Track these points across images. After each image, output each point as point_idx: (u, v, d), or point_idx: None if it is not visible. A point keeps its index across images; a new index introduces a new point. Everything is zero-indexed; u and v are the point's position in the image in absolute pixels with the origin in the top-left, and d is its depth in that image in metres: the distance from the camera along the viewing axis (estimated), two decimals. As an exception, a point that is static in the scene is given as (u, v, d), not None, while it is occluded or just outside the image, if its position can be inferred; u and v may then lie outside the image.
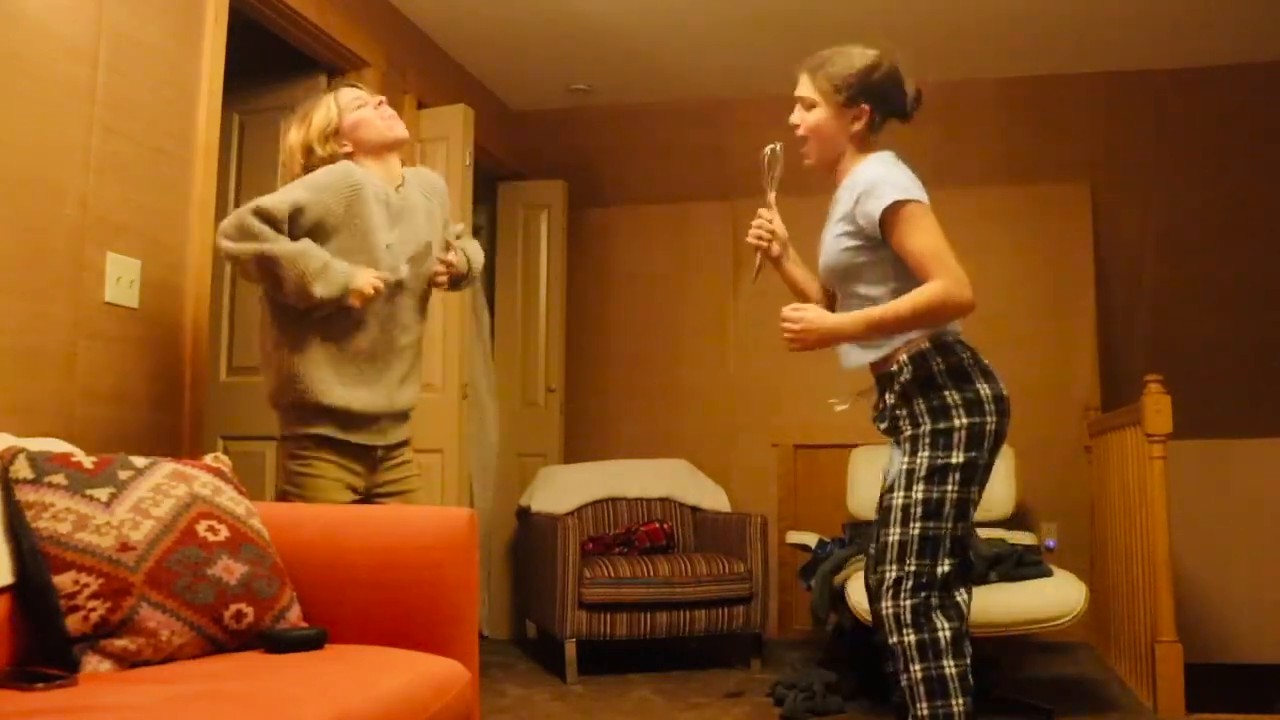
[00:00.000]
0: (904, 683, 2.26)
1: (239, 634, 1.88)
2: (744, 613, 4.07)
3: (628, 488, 4.66)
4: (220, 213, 3.40)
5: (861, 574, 3.44)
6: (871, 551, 2.45)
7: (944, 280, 2.20)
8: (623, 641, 4.00)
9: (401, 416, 2.68)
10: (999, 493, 4.26)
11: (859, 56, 2.43)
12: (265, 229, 2.37)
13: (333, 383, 2.48)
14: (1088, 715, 3.31)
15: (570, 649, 3.89)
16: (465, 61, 4.77)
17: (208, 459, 2.14)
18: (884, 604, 2.30)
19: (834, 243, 2.38)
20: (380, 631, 2.01)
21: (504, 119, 5.26)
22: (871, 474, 4.09)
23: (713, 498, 4.66)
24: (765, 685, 3.71)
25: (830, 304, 2.53)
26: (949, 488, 2.27)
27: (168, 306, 2.81)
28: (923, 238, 2.23)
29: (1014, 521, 4.31)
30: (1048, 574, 3.39)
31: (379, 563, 2.06)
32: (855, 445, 4.49)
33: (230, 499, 2.02)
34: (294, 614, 1.97)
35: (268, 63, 3.80)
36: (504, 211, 5.22)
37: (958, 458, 2.27)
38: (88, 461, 1.87)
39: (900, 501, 2.29)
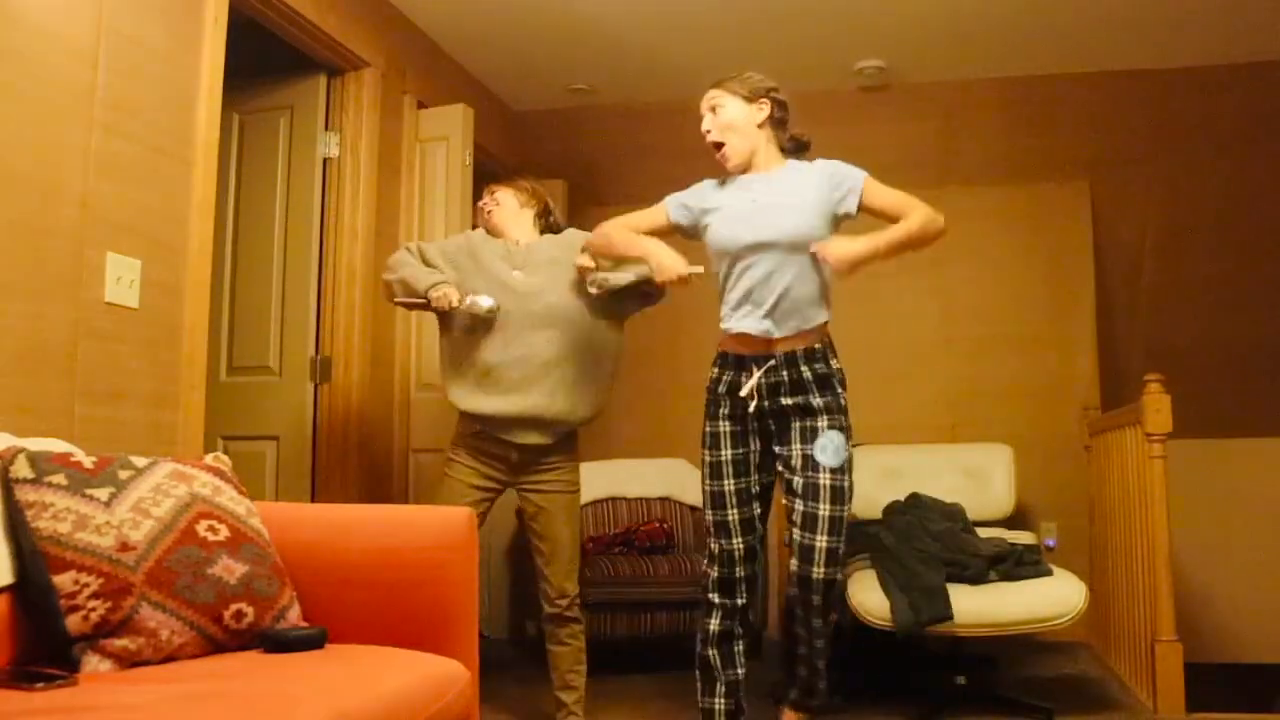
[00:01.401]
0: (821, 647, 2.62)
1: (239, 634, 1.88)
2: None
3: (628, 487, 4.66)
4: (220, 212, 3.41)
5: (862, 574, 3.44)
6: (798, 521, 2.61)
7: (922, 207, 2.60)
8: (623, 641, 4.00)
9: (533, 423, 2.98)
10: (999, 492, 4.26)
11: (757, 73, 2.78)
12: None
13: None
14: (1087, 715, 3.30)
15: (570, 649, 3.88)
16: (465, 61, 4.77)
17: (208, 459, 2.14)
18: (830, 570, 2.53)
19: (800, 219, 2.61)
20: (380, 631, 2.01)
21: (504, 119, 5.26)
22: (870, 474, 4.09)
23: (713, 497, 4.66)
24: (765, 685, 3.71)
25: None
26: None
27: (168, 306, 2.81)
28: (892, 191, 2.65)
29: (1014, 521, 4.31)
30: (1047, 573, 3.39)
31: (379, 562, 2.06)
32: (855, 445, 4.48)
33: (230, 499, 2.02)
34: (294, 614, 1.98)
35: (267, 63, 3.80)
36: (504, 211, 5.21)
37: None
38: (88, 461, 1.87)
39: (847, 483, 2.59)
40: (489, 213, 3.18)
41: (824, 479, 2.56)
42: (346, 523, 2.16)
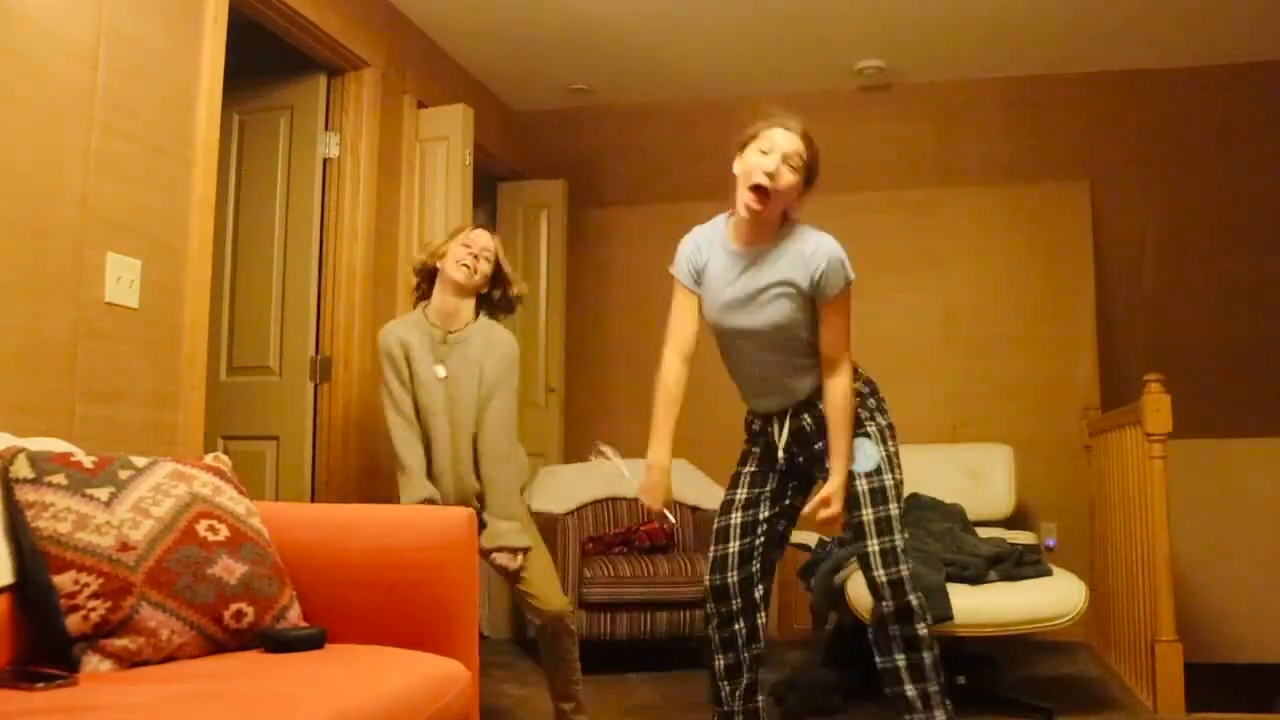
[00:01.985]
0: (927, 663, 2.52)
1: (239, 633, 1.88)
2: (744, 612, 4.06)
3: (628, 487, 4.65)
4: (220, 212, 3.41)
5: (862, 574, 3.44)
6: (850, 536, 2.62)
7: (848, 367, 2.55)
8: (623, 641, 4.00)
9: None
10: (999, 492, 4.26)
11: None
12: None
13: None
14: (1087, 715, 3.30)
15: (570, 649, 3.88)
16: (465, 61, 4.77)
17: (208, 459, 2.14)
18: (890, 571, 2.52)
19: (780, 305, 2.52)
20: (380, 631, 2.01)
21: (504, 119, 5.26)
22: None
23: (713, 497, 4.64)
24: (765, 685, 3.71)
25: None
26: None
27: (168, 306, 2.81)
28: (848, 321, 2.55)
29: (1014, 521, 4.31)
30: (1047, 573, 3.39)
31: (379, 562, 2.06)
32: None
33: (230, 499, 2.02)
34: (294, 613, 1.98)
35: (267, 63, 3.80)
36: (504, 211, 5.22)
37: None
38: (88, 461, 1.87)
39: (888, 482, 2.58)
40: (474, 267, 2.96)
41: (860, 485, 2.56)
42: (346, 523, 2.16)
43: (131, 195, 2.68)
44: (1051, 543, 4.59)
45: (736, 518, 2.70)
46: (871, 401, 2.66)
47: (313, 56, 3.77)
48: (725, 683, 2.68)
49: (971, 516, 3.97)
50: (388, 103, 4.04)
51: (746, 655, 2.68)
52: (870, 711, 3.35)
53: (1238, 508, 4.13)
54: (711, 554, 2.70)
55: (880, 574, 2.53)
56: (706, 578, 2.68)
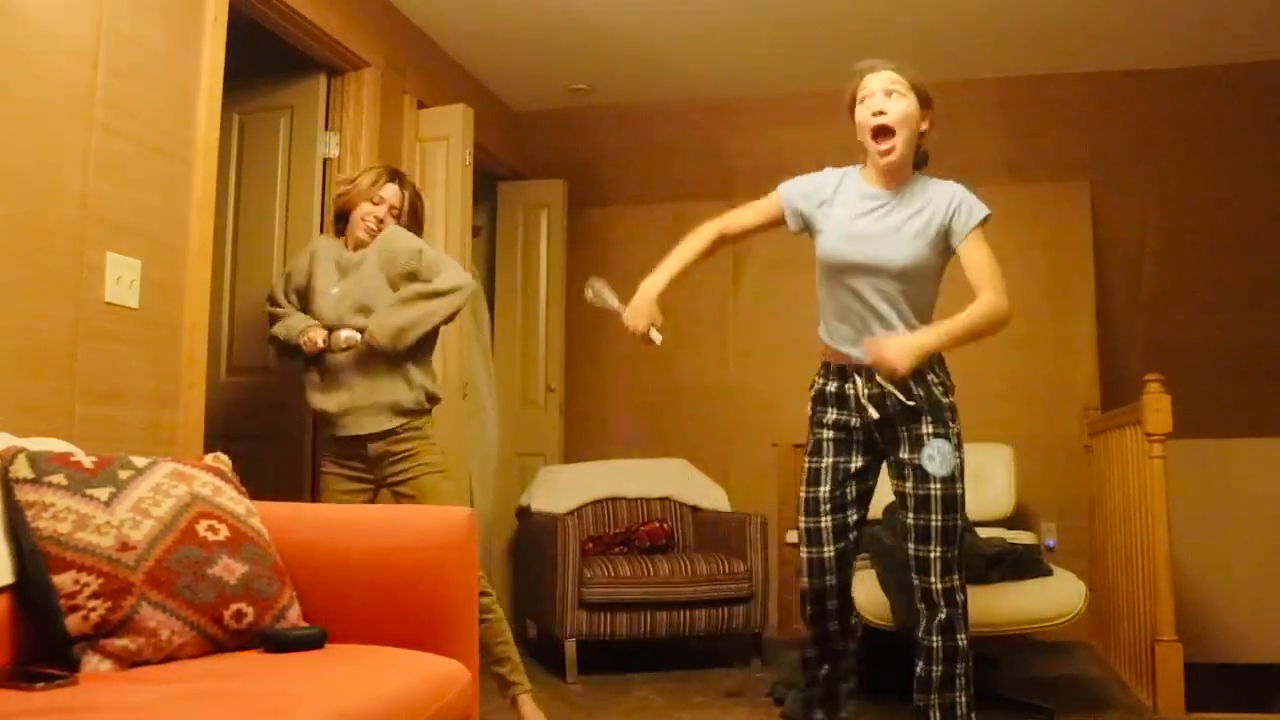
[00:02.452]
0: (959, 673, 2.49)
1: (239, 633, 1.88)
2: (744, 612, 4.07)
3: (627, 487, 4.66)
4: (220, 212, 3.41)
5: (862, 574, 3.44)
6: (913, 536, 2.53)
7: (999, 300, 2.43)
8: (623, 641, 4.00)
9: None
10: (999, 492, 4.26)
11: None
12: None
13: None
14: (1088, 715, 3.30)
15: (570, 648, 3.89)
16: (465, 61, 4.77)
17: (208, 459, 2.14)
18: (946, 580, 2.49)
19: (915, 245, 2.49)
20: (380, 631, 2.01)
21: (504, 119, 5.26)
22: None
23: (712, 497, 4.66)
24: (765, 685, 3.71)
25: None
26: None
27: (168, 306, 2.81)
28: (991, 253, 2.49)
29: (1013, 521, 4.31)
30: (1047, 573, 3.39)
31: (379, 562, 2.06)
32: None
33: (230, 499, 2.02)
34: (294, 613, 1.98)
35: (267, 63, 3.80)
36: (504, 211, 5.22)
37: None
38: (88, 461, 1.87)
39: (959, 491, 2.51)
40: (379, 227, 3.10)
41: (934, 489, 2.48)
42: (346, 522, 2.16)
43: (131, 195, 2.68)
44: (1051, 543, 4.59)
45: (827, 521, 2.58)
46: (953, 398, 2.55)
47: (313, 56, 3.77)
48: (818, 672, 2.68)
49: (971, 516, 3.96)
50: (388, 103, 4.04)
51: (841, 650, 2.68)
52: (871, 712, 3.35)
53: (1238, 508, 4.13)
54: (806, 555, 2.60)
55: (938, 583, 2.47)
56: (805, 580, 2.60)
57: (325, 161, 3.87)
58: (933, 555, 2.48)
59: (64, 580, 1.71)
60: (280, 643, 1.87)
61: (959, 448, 2.52)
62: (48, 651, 1.72)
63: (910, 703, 2.55)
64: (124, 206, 2.65)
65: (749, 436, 4.94)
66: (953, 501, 2.49)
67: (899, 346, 2.37)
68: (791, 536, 4.29)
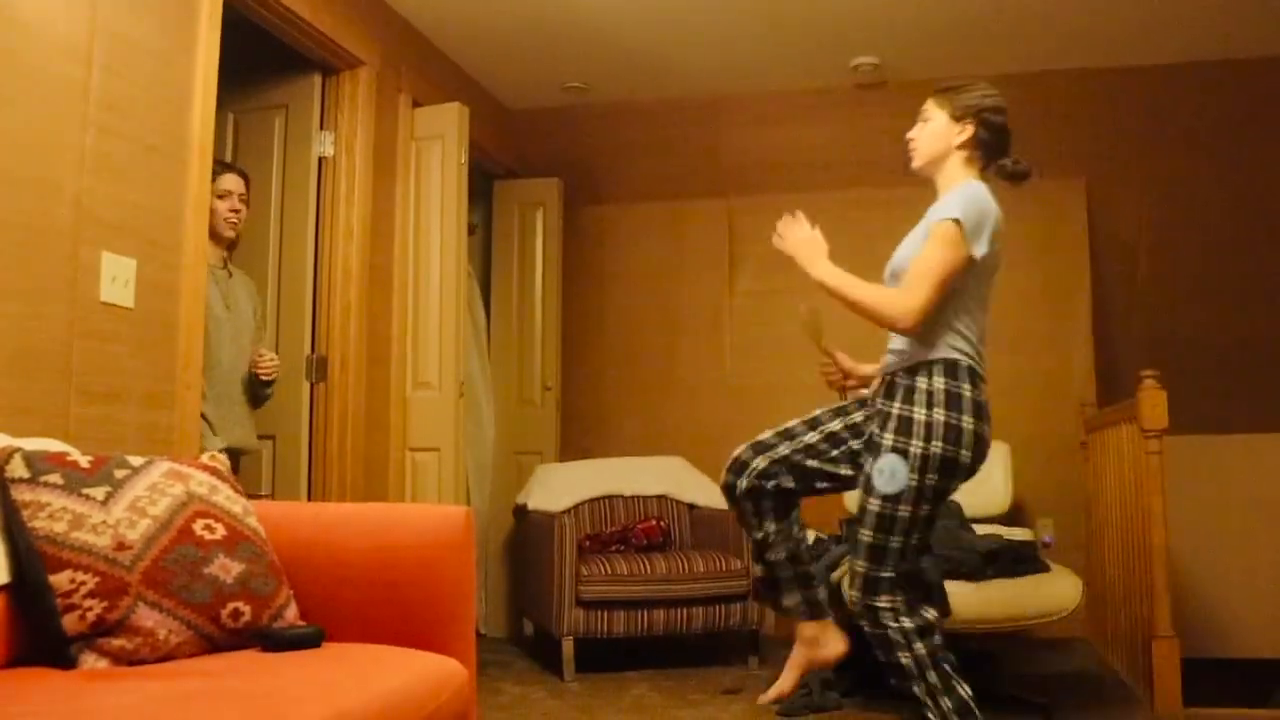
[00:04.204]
0: (905, 663, 2.44)
1: (236, 632, 1.88)
2: (741, 610, 4.07)
3: (624, 485, 4.66)
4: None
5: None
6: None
7: (903, 298, 2.37)
8: (620, 639, 4.01)
9: None
10: (996, 488, 4.26)
11: (981, 88, 2.61)
12: None
13: None
14: (1085, 710, 3.31)
15: (567, 647, 3.89)
16: (460, 60, 4.77)
17: (204, 458, 2.14)
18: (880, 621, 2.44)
19: (908, 248, 2.53)
20: (377, 630, 2.01)
21: (499, 117, 5.26)
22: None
23: (709, 495, 4.66)
24: (763, 682, 3.72)
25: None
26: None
27: (163, 306, 2.81)
28: (934, 257, 2.38)
29: (1010, 517, 4.32)
30: (1044, 569, 3.39)
31: (376, 561, 2.06)
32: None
33: (227, 497, 2.01)
34: (291, 612, 1.97)
35: (262, 62, 3.79)
36: (499, 209, 5.22)
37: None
38: (84, 461, 1.86)
39: (899, 514, 2.42)
40: (239, 217, 3.29)
41: (871, 504, 2.41)
42: (343, 521, 2.16)
43: (126, 194, 2.67)
44: (1048, 539, 4.60)
45: (794, 423, 2.62)
46: (940, 414, 2.41)
47: (308, 55, 3.77)
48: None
49: (968, 513, 3.98)
50: (383, 101, 4.04)
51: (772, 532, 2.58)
52: (867, 708, 3.36)
53: (1234, 503, 4.14)
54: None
55: (855, 594, 2.45)
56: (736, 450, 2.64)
57: (320, 160, 3.87)
58: (855, 567, 2.44)
59: (60, 580, 1.71)
60: (277, 642, 1.87)
61: (925, 469, 2.36)
62: (45, 651, 1.72)
63: (899, 700, 2.53)
64: (119, 206, 2.64)
65: (746, 433, 4.93)
66: (887, 522, 2.37)
67: (806, 240, 2.51)
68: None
